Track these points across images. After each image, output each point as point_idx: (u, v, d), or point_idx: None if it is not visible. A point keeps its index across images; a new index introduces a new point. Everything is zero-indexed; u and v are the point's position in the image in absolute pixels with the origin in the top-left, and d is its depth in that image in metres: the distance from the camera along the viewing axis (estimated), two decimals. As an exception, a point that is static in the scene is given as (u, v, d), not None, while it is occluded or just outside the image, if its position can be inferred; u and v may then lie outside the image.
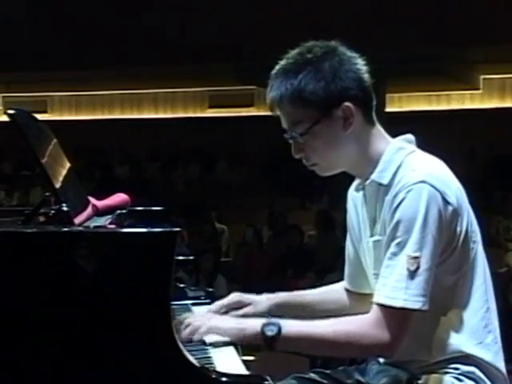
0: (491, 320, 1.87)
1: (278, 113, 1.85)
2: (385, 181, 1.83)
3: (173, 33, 9.61)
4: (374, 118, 1.88)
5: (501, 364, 1.87)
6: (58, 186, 1.93)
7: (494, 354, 1.85)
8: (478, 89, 11.40)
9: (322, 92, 1.79)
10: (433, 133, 10.51)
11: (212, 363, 1.73)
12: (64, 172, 2.23)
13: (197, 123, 11.99)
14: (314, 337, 1.76)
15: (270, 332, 1.74)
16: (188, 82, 11.78)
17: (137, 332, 1.58)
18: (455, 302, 1.84)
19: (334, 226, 7.15)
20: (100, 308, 1.58)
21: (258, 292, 2.10)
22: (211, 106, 12.34)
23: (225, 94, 11.82)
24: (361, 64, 1.85)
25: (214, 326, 1.80)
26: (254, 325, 1.78)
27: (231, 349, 1.82)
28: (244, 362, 1.80)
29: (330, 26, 8.92)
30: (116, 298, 1.58)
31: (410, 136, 1.91)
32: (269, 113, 1.88)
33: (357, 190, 1.95)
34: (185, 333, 1.79)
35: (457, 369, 1.83)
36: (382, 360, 1.92)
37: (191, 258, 2.33)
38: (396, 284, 1.73)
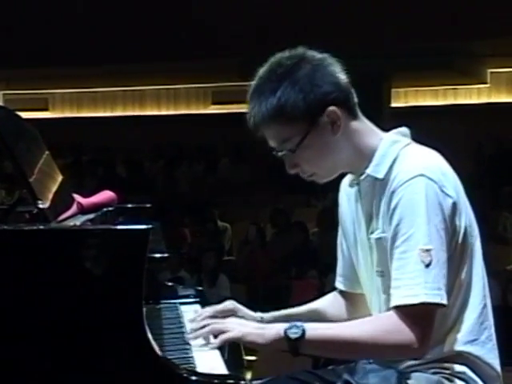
0: (487, 316, 1.82)
1: (264, 134, 1.81)
2: (380, 175, 1.78)
3: (174, 29, 9.54)
4: (359, 113, 1.84)
5: (494, 361, 1.82)
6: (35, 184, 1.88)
7: (487, 351, 1.81)
8: (485, 83, 11.30)
9: (303, 104, 1.76)
10: (439, 128, 10.44)
11: (192, 363, 1.71)
12: (46, 172, 2.17)
13: (200, 120, 11.93)
14: (340, 338, 1.71)
15: (294, 334, 1.69)
16: (191, 79, 11.72)
17: (108, 330, 1.56)
18: (455, 299, 1.78)
19: (338, 223, 7.03)
20: (71, 305, 1.57)
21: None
22: (214, 103, 12.30)
23: (228, 91, 11.75)
24: (334, 63, 1.82)
25: (243, 332, 1.73)
26: (277, 328, 1.72)
27: (215, 349, 1.78)
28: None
29: (334, 21, 8.89)
30: (88, 295, 1.57)
31: (404, 129, 1.87)
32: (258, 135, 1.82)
33: (351, 185, 1.89)
34: (208, 331, 1.77)
35: (447, 369, 1.79)
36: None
37: (166, 255, 2.29)
38: (413, 281, 1.67)
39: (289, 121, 1.76)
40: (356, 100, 1.84)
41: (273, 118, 1.76)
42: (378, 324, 1.72)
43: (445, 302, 1.69)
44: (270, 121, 1.77)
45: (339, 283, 2.05)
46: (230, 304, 2.01)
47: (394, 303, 1.70)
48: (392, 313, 1.70)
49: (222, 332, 1.75)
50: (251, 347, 1.80)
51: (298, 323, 1.72)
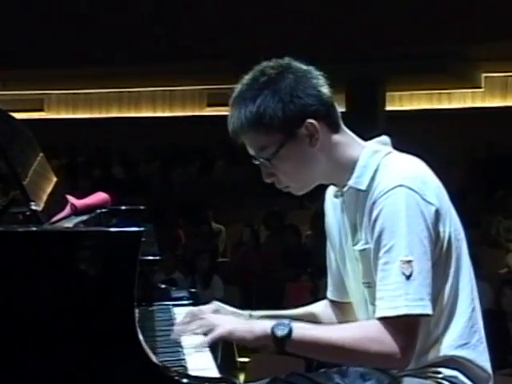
0: (477, 319, 1.83)
1: (243, 141, 1.82)
2: (363, 186, 1.79)
3: (171, 30, 9.54)
4: (342, 126, 1.85)
5: (486, 364, 1.83)
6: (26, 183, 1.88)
7: (479, 354, 1.81)
8: (479, 87, 11.32)
9: (281, 114, 1.76)
10: (434, 132, 10.47)
11: (184, 366, 1.72)
12: (40, 173, 2.17)
13: (195, 122, 11.93)
14: (327, 341, 1.72)
15: (281, 332, 1.70)
16: (186, 81, 11.72)
17: (100, 331, 1.57)
18: (443, 304, 1.79)
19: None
20: (62, 306, 1.58)
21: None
22: (210, 105, 12.29)
23: (224, 93, 11.66)
24: (317, 76, 1.82)
25: (230, 329, 1.74)
26: (264, 325, 1.73)
27: (207, 352, 1.79)
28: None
29: (330, 24, 8.90)
30: (79, 296, 1.58)
31: (385, 138, 1.87)
32: (238, 142, 1.83)
33: (335, 196, 1.90)
34: (193, 329, 1.78)
35: (439, 373, 1.79)
36: None
37: (159, 258, 2.29)
38: (394, 293, 1.68)
39: (266, 130, 1.76)
40: (339, 114, 1.84)
41: (251, 126, 1.77)
42: (364, 331, 1.73)
43: (429, 311, 1.70)
44: (248, 128, 1.77)
45: (329, 293, 2.05)
46: (214, 305, 2.01)
47: (377, 314, 1.71)
48: (377, 322, 1.71)
49: (211, 329, 1.75)
50: (240, 344, 1.81)
51: (286, 321, 1.73)
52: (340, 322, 2.01)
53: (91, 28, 9.74)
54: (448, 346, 1.78)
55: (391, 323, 1.69)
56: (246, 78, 1.82)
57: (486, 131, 10.32)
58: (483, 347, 1.83)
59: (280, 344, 1.70)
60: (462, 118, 10.92)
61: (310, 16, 8.74)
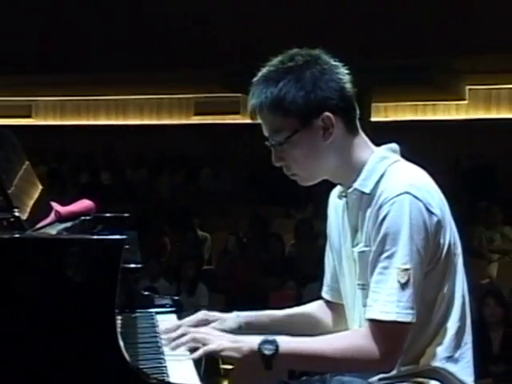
0: (465, 334, 1.85)
1: (260, 120, 1.83)
2: (367, 189, 1.81)
3: (158, 39, 9.58)
4: (358, 126, 1.86)
5: (468, 379, 1.85)
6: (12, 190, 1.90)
7: (462, 369, 1.83)
8: (463, 99, 11.41)
9: (301, 101, 1.78)
10: (418, 143, 10.53)
11: (165, 373, 1.71)
12: (26, 181, 2.19)
13: (182, 130, 11.96)
14: (311, 354, 1.75)
15: (268, 351, 1.73)
16: (173, 89, 11.76)
17: (80, 338, 1.58)
18: (434, 315, 1.82)
19: (316, 235, 7.10)
20: (42, 313, 1.58)
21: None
22: (196, 113, 12.33)
23: (210, 102, 11.81)
24: (343, 73, 1.83)
25: (219, 347, 1.76)
26: (251, 343, 1.75)
27: (190, 359, 1.79)
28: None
29: (317, 34, 8.95)
30: (60, 303, 1.58)
31: (394, 145, 1.89)
32: (254, 121, 1.86)
33: (339, 197, 1.92)
34: (186, 342, 1.79)
35: (421, 383, 1.81)
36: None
37: (141, 266, 2.30)
38: (388, 298, 1.71)
39: (283, 113, 1.78)
40: (357, 113, 1.86)
41: (269, 107, 1.79)
42: (348, 341, 1.76)
43: (414, 321, 1.73)
44: (266, 109, 1.79)
45: (325, 293, 2.07)
46: (201, 314, 2.03)
47: (369, 316, 1.74)
48: (364, 329, 1.75)
49: (202, 344, 1.77)
50: (228, 361, 1.83)
51: (271, 338, 1.75)
52: (334, 322, 2.04)
53: (79, 35, 9.76)
54: (433, 356, 1.80)
55: (380, 327, 1.72)
56: (275, 60, 1.84)
57: (469, 143, 10.40)
58: (468, 362, 1.84)
59: (268, 362, 1.73)
60: (446, 129, 11.00)
61: (295, 27, 8.80)
